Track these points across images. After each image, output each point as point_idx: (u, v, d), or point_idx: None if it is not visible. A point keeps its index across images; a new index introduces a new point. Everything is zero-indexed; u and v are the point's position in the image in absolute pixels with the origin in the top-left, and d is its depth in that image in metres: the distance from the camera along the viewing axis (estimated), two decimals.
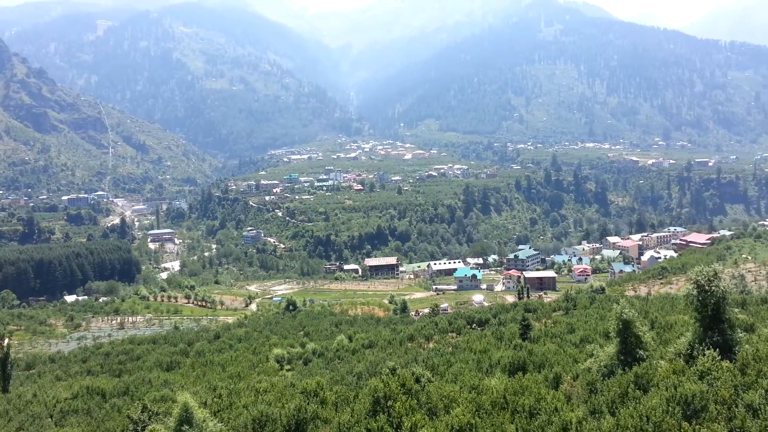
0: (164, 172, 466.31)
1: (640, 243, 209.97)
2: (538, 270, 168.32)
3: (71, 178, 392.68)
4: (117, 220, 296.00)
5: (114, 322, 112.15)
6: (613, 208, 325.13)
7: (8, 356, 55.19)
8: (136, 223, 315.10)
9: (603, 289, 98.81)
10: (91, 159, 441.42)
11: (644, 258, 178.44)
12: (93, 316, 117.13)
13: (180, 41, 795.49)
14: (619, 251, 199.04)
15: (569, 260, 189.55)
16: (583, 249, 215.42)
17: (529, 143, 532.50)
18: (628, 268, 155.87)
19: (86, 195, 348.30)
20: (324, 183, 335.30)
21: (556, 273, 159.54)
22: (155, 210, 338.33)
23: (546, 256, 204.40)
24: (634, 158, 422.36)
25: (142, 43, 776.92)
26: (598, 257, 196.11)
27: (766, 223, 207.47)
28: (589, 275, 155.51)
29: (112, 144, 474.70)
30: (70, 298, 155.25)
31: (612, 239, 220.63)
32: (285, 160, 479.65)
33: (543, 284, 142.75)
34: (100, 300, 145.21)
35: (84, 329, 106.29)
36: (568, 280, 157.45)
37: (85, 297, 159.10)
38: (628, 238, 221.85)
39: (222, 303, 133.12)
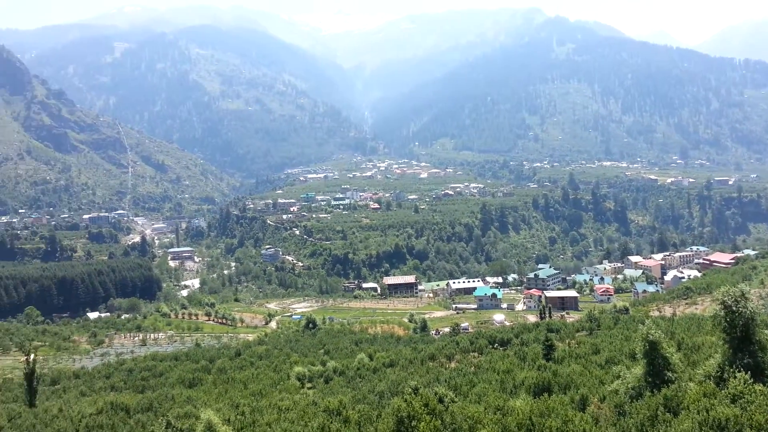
0: (183, 191, 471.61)
1: (663, 262, 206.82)
2: (559, 289, 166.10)
3: (92, 197, 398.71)
4: (137, 239, 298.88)
5: (136, 338, 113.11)
6: (633, 227, 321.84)
7: (34, 371, 56.04)
8: (156, 242, 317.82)
9: (627, 310, 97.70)
10: (111, 178, 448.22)
11: (667, 278, 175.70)
12: (116, 333, 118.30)
13: (196, 63, 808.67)
14: (641, 271, 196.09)
15: (590, 280, 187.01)
16: (605, 268, 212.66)
17: (545, 162, 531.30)
18: (651, 288, 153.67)
19: (107, 214, 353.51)
20: (340, 202, 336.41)
21: (577, 293, 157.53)
22: (175, 228, 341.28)
23: (566, 275, 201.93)
24: (652, 177, 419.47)
25: (159, 65, 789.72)
26: (620, 277, 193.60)
27: None
28: (611, 295, 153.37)
29: (132, 164, 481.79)
30: (92, 315, 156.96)
31: (634, 258, 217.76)
32: (301, 179, 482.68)
33: (565, 304, 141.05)
34: (123, 317, 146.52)
35: (107, 345, 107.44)
36: (590, 300, 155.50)
37: (108, 314, 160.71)
38: (650, 258, 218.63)
39: (242, 320, 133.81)
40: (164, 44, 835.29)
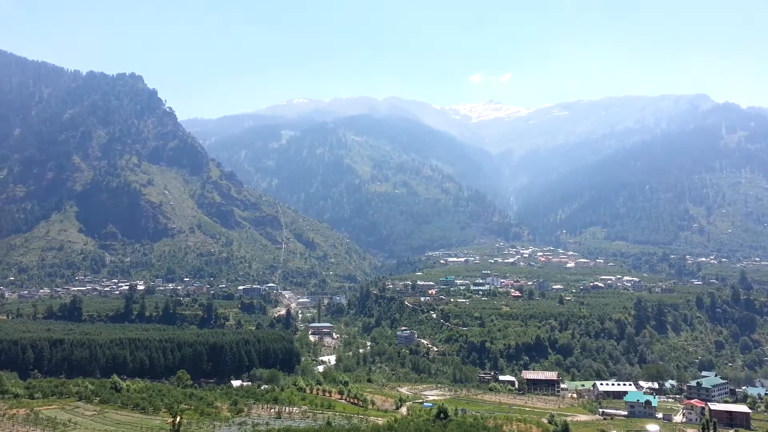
0: (328, 269, 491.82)
1: None
2: (726, 402, 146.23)
3: (248, 269, 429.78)
4: (283, 311, 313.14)
5: (272, 410, 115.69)
6: None
7: None
8: (300, 315, 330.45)
9: None
10: (267, 253, 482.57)
11: None
12: (254, 403, 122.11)
13: (351, 149, 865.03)
14: None
15: (766, 394, 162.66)
16: None
17: (712, 257, 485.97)
18: None
19: (259, 286, 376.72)
20: (480, 287, 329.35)
21: (749, 408, 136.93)
22: (317, 304, 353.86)
23: (736, 386, 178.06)
24: None
25: (318, 151, 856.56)
26: None
27: None
28: None
29: (285, 240, 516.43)
30: (236, 383, 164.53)
31: None
32: (442, 261, 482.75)
33: (733, 420, 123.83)
34: (262, 387, 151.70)
35: (245, 414, 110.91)
36: (765, 417, 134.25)
37: (249, 383, 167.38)
38: None
39: (373, 403, 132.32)
40: (325, 132, 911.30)
